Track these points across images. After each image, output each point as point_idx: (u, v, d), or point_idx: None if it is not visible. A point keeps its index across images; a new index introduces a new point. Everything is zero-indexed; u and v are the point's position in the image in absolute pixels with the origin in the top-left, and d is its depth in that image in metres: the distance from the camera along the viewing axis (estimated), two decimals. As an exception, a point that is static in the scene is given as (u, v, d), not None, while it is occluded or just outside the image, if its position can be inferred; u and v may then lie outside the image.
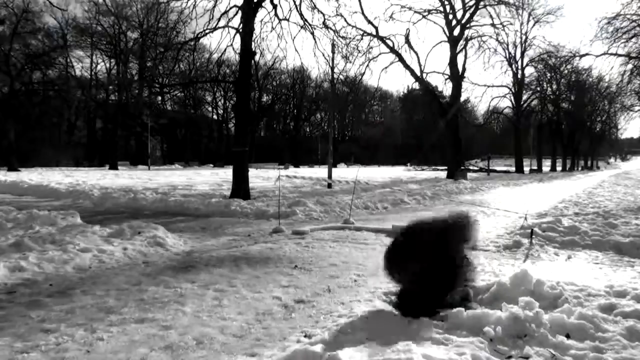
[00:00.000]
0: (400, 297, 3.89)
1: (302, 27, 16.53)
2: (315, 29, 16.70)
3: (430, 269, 3.67)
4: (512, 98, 48.12)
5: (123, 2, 45.58)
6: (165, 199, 13.45)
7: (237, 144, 14.96)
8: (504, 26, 33.23)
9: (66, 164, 46.17)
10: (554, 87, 52.17)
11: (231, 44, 15.78)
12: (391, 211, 12.42)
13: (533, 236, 7.22)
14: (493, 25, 32.04)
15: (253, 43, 15.11)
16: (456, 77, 29.97)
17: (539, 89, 51.40)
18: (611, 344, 3.13)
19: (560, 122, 55.80)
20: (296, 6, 16.13)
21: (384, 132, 76.36)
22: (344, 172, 35.13)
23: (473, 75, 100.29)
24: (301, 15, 16.35)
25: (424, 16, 30.16)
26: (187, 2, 15.76)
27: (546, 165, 58.41)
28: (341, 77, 25.02)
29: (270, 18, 16.00)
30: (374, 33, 27.93)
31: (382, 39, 28.37)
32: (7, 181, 20.37)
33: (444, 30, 30.67)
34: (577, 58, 37.02)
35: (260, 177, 26.84)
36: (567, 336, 3.26)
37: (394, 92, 78.94)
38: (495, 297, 4.15)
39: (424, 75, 30.58)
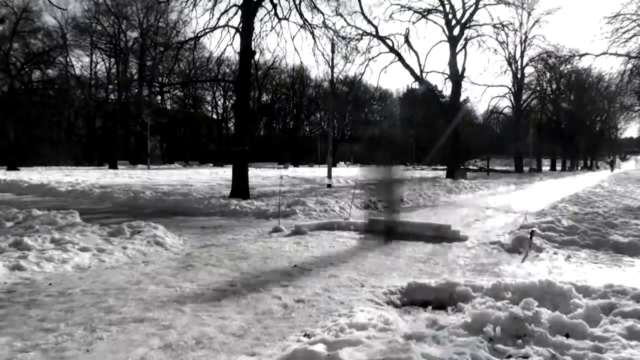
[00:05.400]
0: None
1: (301, 26, 16.55)
2: (314, 28, 16.72)
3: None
4: (512, 98, 48.06)
5: (123, 1, 45.51)
6: (165, 199, 13.45)
7: (237, 143, 14.95)
8: (503, 26, 33.15)
9: (66, 163, 46.09)
10: (554, 86, 52.17)
11: (231, 43, 15.81)
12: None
13: (533, 236, 7.22)
14: (493, 25, 32.01)
15: (253, 42, 15.11)
16: (456, 76, 29.90)
17: (538, 88, 51.37)
18: (611, 344, 3.13)
19: (560, 121, 55.81)
20: (296, 6, 16.14)
21: (383, 131, 76.28)
22: (344, 172, 35.11)
23: (473, 75, 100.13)
24: (301, 14, 16.37)
25: (423, 16, 30.10)
26: (187, 2, 15.77)
27: (546, 165, 58.41)
28: (341, 76, 25.04)
29: (270, 17, 16.03)
30: (374, 33, 27.91)
31: (381, 39, 28.34)
32: (6, 180, 20.35)
33: (443, 30, 30.60)
34: (577, 58, 37.04)
35: (260, 176, 26.83)
36: (567, 335, 3.26)
37: (393, 92, 78.90)
38: (494, 296, 4.15)
39: (424, 74, 30.54)
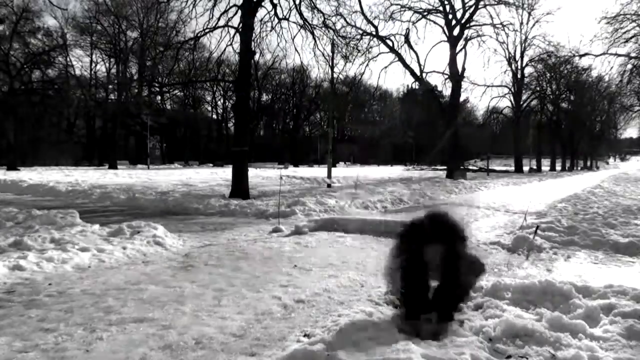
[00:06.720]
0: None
1: (301, 26, 16.54)
2: (315, 28, 16.72)
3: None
4: (512, 98, 48.15)
5: (123, 1, 45.50)
6: (165, 199, 13.45)
7: (237, 144, 14.95)
8: (503, 26, 33.18)
9: (65, 163, 46.10)
10: (554, 87, 52.20)
11: (231, 44, 15.81)
12: (390, 210, 12.42)
13: (537, 232, 7.21)
14: (493, 25, 32.01)
15: (253, 42, 15.12)
16: (456, 76, 29.89)
17: (538, 88, 51.41)
18: (611, 344, 3.13)
19: (559, 122, 55.81)
20: (296, 6, 16.14)
21: (383, 131, 76.49)
22: (344, 172, 35.12)
23: (473, 75, 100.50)
24: (301, 14, 16.37)
25: (423, 16, 30.11)
26: (186, 2, 15.77)
27: (545, 165, 58.46)
28: (341, 76, 25.03)
29: (270, 17, 16.03)
30: (374, 33, 27.91)
31: (381, 39, 28.35)
32: (6, 180, 20.34)
33: (443, 30, 30.61)
34: (577, 58, 37.03)
35: (260, 176, 26.83)
36: (567, 336, 3.26)
37: (393, 92, 78.97)
38: (494, 296, 4.15)
39: (424, 74, 30.55)
